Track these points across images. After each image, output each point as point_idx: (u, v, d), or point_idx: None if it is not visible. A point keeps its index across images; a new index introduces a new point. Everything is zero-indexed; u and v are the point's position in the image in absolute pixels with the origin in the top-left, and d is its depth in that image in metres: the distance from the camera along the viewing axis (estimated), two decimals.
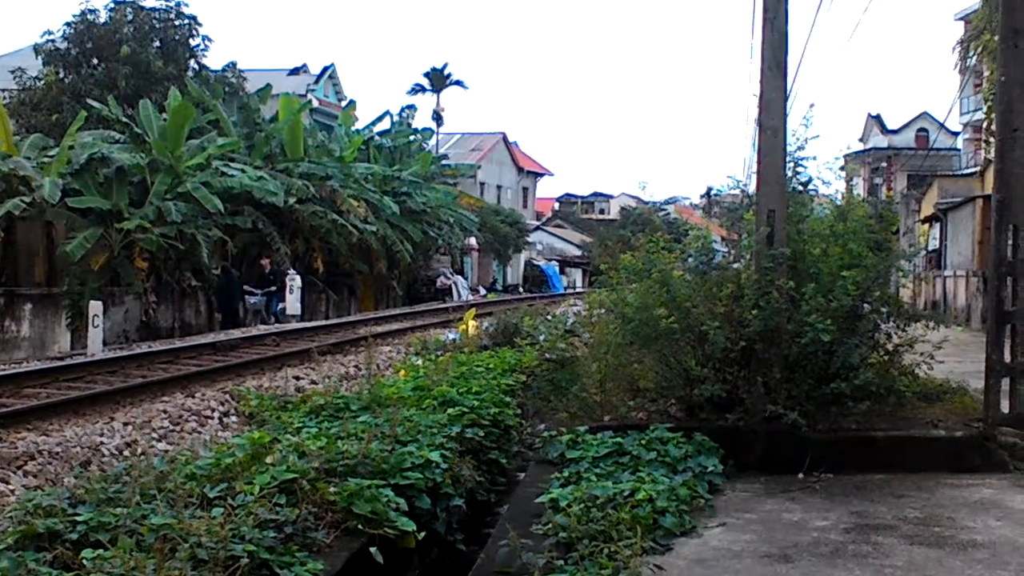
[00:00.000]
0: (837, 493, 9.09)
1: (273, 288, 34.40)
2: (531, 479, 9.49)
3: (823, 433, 9.98)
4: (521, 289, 70.70)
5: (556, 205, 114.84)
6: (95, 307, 25.06)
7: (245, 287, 33.82)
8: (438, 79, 79.39)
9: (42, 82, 41.87)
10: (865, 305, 10.74)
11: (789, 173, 11.44)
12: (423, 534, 7.82)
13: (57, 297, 28.98)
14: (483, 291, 61.63)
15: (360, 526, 7.30)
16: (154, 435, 13.06)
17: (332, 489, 7.52)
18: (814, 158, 12.14)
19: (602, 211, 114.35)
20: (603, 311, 12.75)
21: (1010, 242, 10.07)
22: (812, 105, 12.43)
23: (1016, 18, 10.20)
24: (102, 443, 12.17)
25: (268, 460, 8.01)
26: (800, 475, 9.66)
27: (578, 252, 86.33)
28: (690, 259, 11.29)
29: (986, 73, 33.59)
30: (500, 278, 72.39)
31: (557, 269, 79.63)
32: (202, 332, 32.41)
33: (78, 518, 6.49)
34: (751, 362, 10.27)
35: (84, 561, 5.86)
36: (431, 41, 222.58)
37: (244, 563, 5.92)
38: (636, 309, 10.82)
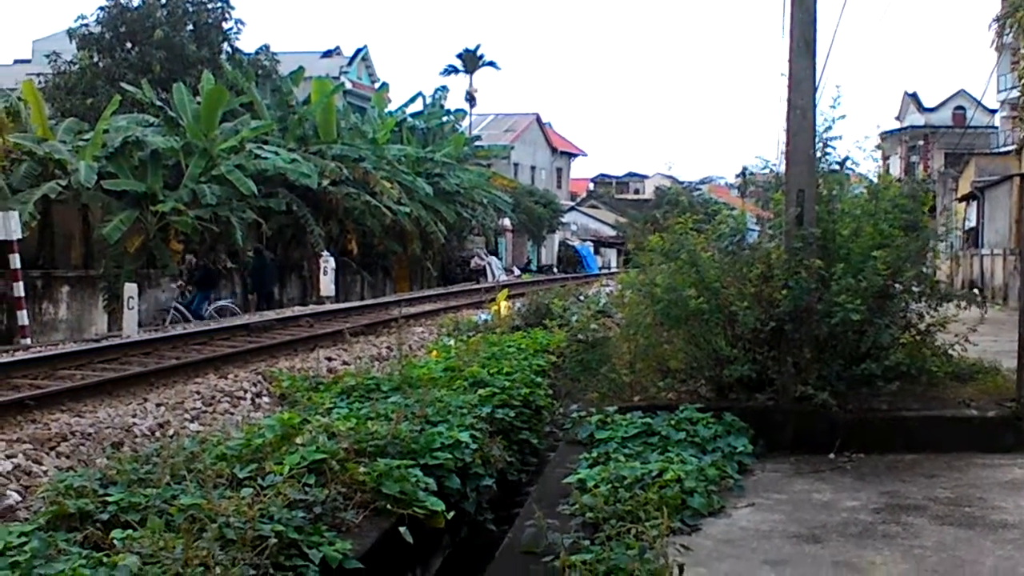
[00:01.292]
0: (867, 473, 9.05)
1: (200, 286, 32.17)
2: (560, 459, 9.50)
3: (854, 413, 9.94)
4: (555, 269, 70.68)
5: (591, 185, 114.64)
6: (130, 289, 25.28)
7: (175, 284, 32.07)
8: (471, 60, 79.30)
9: (77, 66, 42.08)
10: (896, 285, 10.69)
11: (818, 153, 11.38)
12: (452, 514, 7.86)
13: (94, 279, 29.22)
14: (517, 272, 61.66)
15: (389, 506, 7.35)
16: (187, 416, 13.15)
17: (361, 469, 7.56)
18: (840, 138, 12.07)
19: (637, 191, 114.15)
20: (633, 291, 12.71)
21: None
22: (839, 86, 12.35)
23: None
24: (134, 424, 12.26)
25: (298, 441, 8.06)
26: (831, 455, 9.63)
27: (612, 232, 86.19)
28: (719, 239, 11.23)
29: (1022, 51, 33.16)
30: (534, 258, 72.40)
31: (592, 249, 79.52)
32: (237, 314, 32.61)
33: (109, 499, 6.56)
34: (781, 342, 10.23)
35: (114, 541, 5.92)
36: (464, 22, 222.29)
37: (272, 543, 5.95)
38: (665, 289, 10.81)
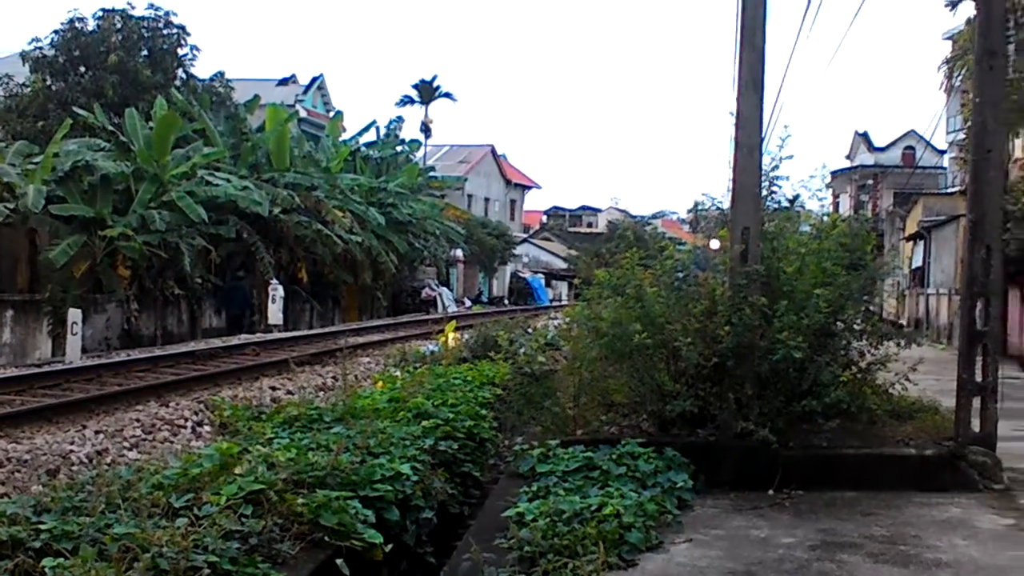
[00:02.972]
0: (805, 510, 9.11)
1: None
2: (501, 492, 9.48)
3: (794, 450, 10.00)
4: (507, 301, 70.70)
5: (544, 218, 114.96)
6: (74, 314, 25.01)
7: None
8: (427, 91, 79.41)
9: (29, 89, 41.69)
10: (838, 323, 10.78)
11: (764, 191, 11.48)
12: (391, 546, 7.81)
13: (39, 304, 28.87)
14: (468, 303, 61.63)
15: (327, 538, 7.29)
16: (125, 444, 13.05)
17: (300, 500, 7.51)
18: (787, 178, 12.19)
19: (590, 224, 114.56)
20: (579, 325, 12.74)
21: (982, 262, 10.12)
22: (787, 126, 12.48)
23: (991, 40, 10.27)
24: (72, 451, 12.14)
25: (237, 471, 8.00)
26: (770, 491, 9.68)
27: (564, 265, 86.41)
28: (663, 277, 11.28)
29: (970, 94, 33.69)
30: (486, 290, 72.38)
31: (543, 282, 79.66)
32: (184, 340, 32.42)
33: (42, 526, 6.47)
34: (723, 378, 10.29)
35: (45, 570, 5.85)
36: (420, 53, 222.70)
37: (205, 574, 5.90)
38: (610, 324, 10.85)
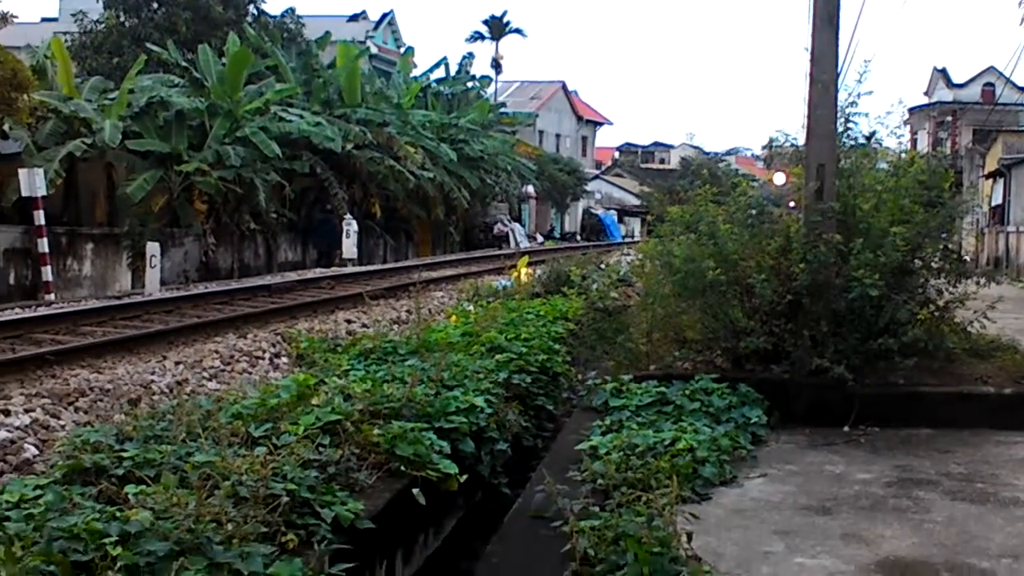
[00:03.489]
0: (881, 447, 9.05)
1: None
2: (574, 426, 9.53)
3: (869, 388, 9.92)
4: (579, 237, 70.67)
5: (616, 154, 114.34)
6: (152, 248, 25.41)
7: None
8: (497, 27, 78.97)
9: (103, 25, 42.07)
10: (916, 261, 10.65)
11: (840, 128, 11.32)
12: (466, 477, 7.88)
13: (117, 237, 29.32)
14: (540, 239, 61.68)
15: (403, 468, 7.36)
16: (205, 374, 13.25)
17: (376, 431, 7.59)
18: (866, 114, 11.99)
19: (662, 161, 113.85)
20: (652, 261, 12.68)
21: None
22: (867, 61, 12.26)
23: None
24: (153, 381, 12.36)
25: (314, 402, 8.09)
26: (845, 428, 9.63)
27: (636, 202, 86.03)
28: (736, 213, 11.18)
29: None
30: (558, 226, 72.38)
31: (615, 218, 79.52)
32: (260, 274, 32.82)
33: (124, 454, 6.59)
34: (798, 315, 10.20)
35: (128, 496, 5.97)
36: None
37: (284, 501, 5.99)
38: (683, 260, 10.79)
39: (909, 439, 9.31)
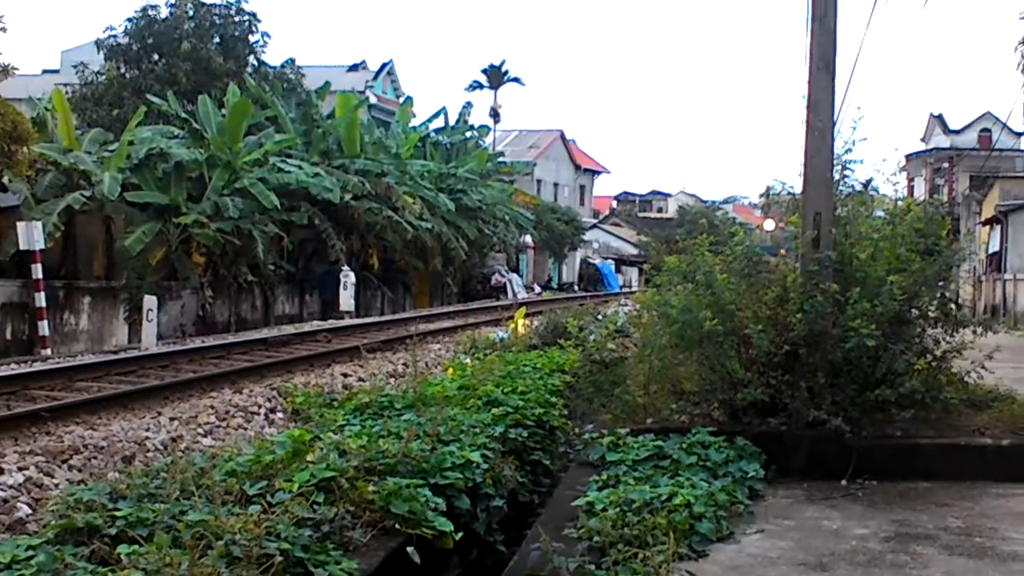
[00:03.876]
0: (879, 501, 9.00)
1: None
2: (571, 481, 9.47)
3: (867, 440, 9.87)
4: (576, 287, 70.66)
5: (613, 203, 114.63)
6: (149, 301, 25.39)
7: None
8: (495, 76, 79.45)
9: (104, 77, 42.39)
10: (912, 310, 10.63)
11: (837, 176, 11.35)
12: (461, 534, 7.83)
13: (115, 291, 29.35)
14: (538, 289, 61.70)
15: (398, 525, 7.33)
16: (200, 430, 13.19)
17: (371, 488, 7.55)
18: (861, 161, 12.03)
19: (660, 209, 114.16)
20: (649, 312, 12.67)
21: None
22: (860, 107, 12.32)
23: None
24: (147, 438, 12.30)
25: (309, 458, 8.07)
26: (843, 482, 9.58)
27: (634, 251, 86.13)
28: (733, 263, 11.17)
29: None
30: (555, 276, 72.42)
31: (613, 268, 79.52)
32: (257, 327, 32.80)
33: (117, 513, 6.56)
34: (795, 366, 10.18)
35: (121, 556, 5.94)
36: (489, 38, 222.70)
37: (278, 561, 5.96)
38: (680, 311, 10.77)
39: (907, 492, 9.26)
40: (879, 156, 14.17)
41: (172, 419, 13.58)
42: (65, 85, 40.95)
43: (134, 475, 7.57)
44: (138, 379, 16.68)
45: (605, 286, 71.48)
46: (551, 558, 6.28)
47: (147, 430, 12.76)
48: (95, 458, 11.26)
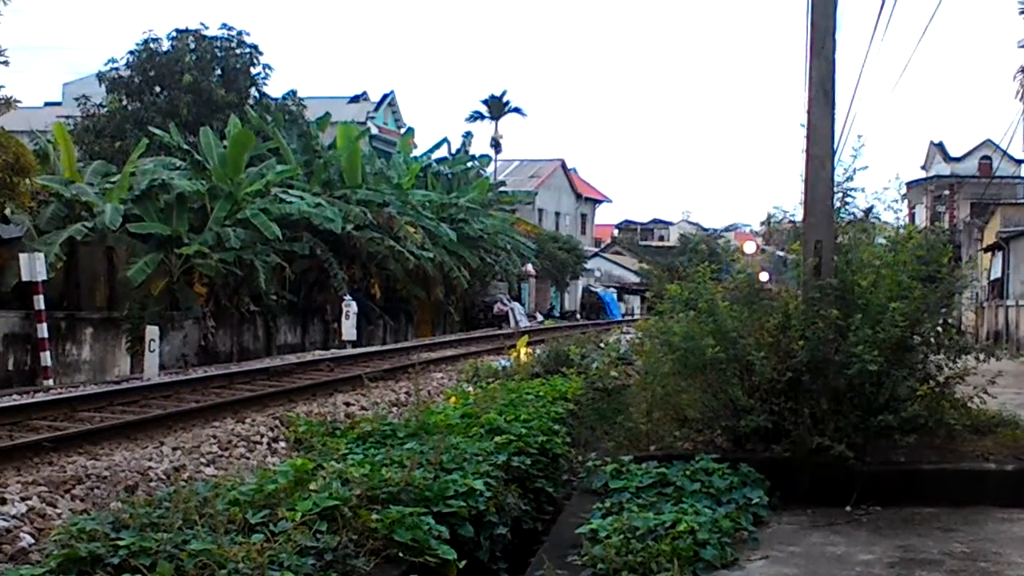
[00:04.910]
0: (884, 526, 8.99)
1: None
2: (574, 509, 9.47)
3: (871, 466, 9.88)
4: (578, 316, 70.69)
5: (615, 232, 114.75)
6: (151, 332, 25.37)
7: None
8: (496, 106, 79.67)
9: (105, 109, 42.53)
10: (915, 337, 10.64)
11: (837, 203, 11.38)
12: (465, 562, 7.80)
13: (117, 321, 29.33)
14: (540, 317, 61.69)
15: (401, 554, 7.30)
16: (202, 460, 13.19)
17: (374, 516, 7.53)
18: (862, 189, 12.08)
19: (661, 238, 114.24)
20: (651, 339, 12.67)
21: None
22: (860, 136, 12.37)
23: None
24: (150, 468, 12.30)
25: (311, 487, 8.04)
26: (847, 508, 9.58)
27: (636, 279, 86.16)
28: (735, 291, 11.19)
29: None
30: (557, 304, 72.40)
31: (615, 296, 79.58)
32: (259, 357, 32.79)
33: (120, 542, 6.54)
34: (798, 393, 10.18)
35: None
36: (490, 68, 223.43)
37: None
38: (683, 338, 10.79)
39: (911, 518, 9.25)
40: (880, 184, 14.20)
41: (175, 449, 13.58)
42: (67, 117, 41.12)
43: (137, 505, 7.53)
44: (140, 409, 16.69)
45: (607, 314, 71.54)
46: None
47: (150, 460, 12.76)
48: (98, 488, 11.25)
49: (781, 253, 12.54)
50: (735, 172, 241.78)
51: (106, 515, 7.41)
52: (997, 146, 60.29)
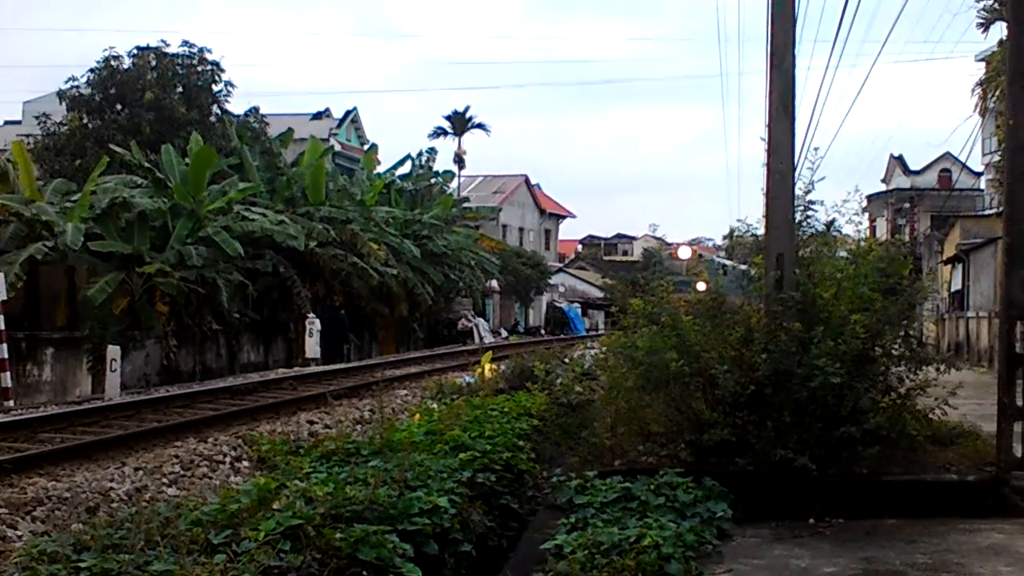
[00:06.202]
0: (847, 539, 9.02)
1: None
2: (539, 524, 9.46)
3: (834, 478, 9.91)
4: (543, 331, 70.67)
5: (579, 247, 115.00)
6: (113, 351, 25.18)
7: None
8: (460, 122, 79.85)
9: (66, 127, 42.20)
10: (876, 349, 10.70)
11: (799, 217, 11.45)
12: None
13: (78, 341, 29.12)
14: (504, 333, 61.69)
15: (365, 572, 7.27)
16: (164, 480, 13.11)
17: (338, 535, 7.50)
18: (822, 202, 12.17)
19: (625, 252, 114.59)
20: (615, 354, 12.69)
21: (1020, 285, 10.03)
22: (817, 148, 12.50)
23: (1023, 61, 10.20)
24: (111, 488, 12.22)
25: (274, 506, 8.00)
26: (811, 520, 9.60)
27: (600, 294, 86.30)
28: (697, 305, 11.24)
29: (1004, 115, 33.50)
30: (522, 320, 72.42)
31: (579, 311, 79.64)
32: (222, 375, 32.60)
33: (82, 564, 6.49)
34: (761, 406, 10.21)
35: None
36: (453, 84, 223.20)
37: None
38: (646, 352, 10.81)
39: (874, 529, 9.29)
40: (841, 197, 14.27)
41: (137, 469, 13.49)
42: (27, 136, 40.82)
43: (98, 526, 7.48)
44: (102, 430, 16.57)
45: (572, 329, 71.57)
46: None
47: (111, 480, 12.67)
48: (59, 509, 11.18)
49: (743, 267, 12.59)
50: (699, 187, 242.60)
51: (67, 537, 7.35)
52: (956, 158, 60.91)
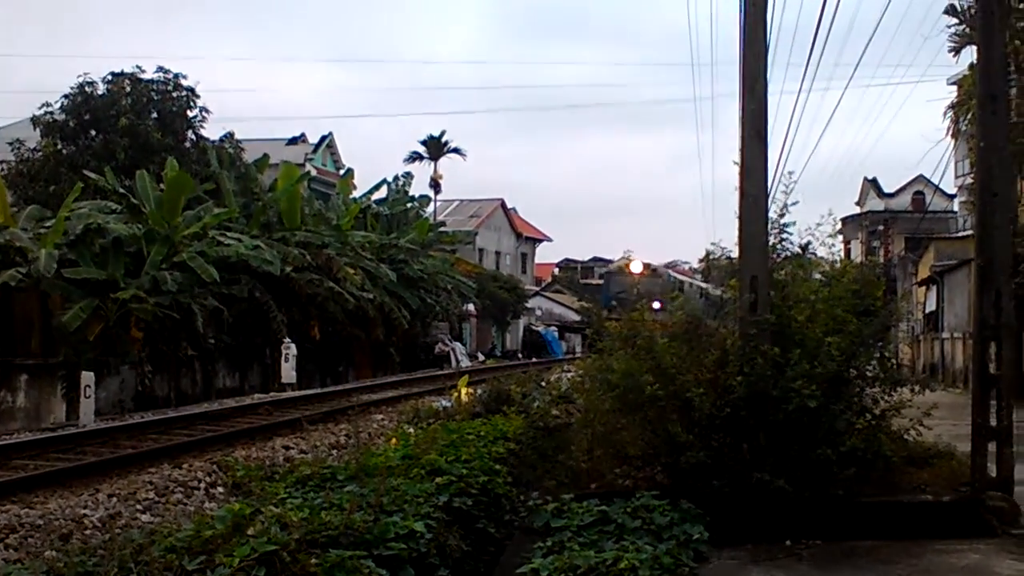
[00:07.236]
0: (824, 560, 9.03)
1: None
2: (516, 548, 9.45)
3: (811, 499, 9.92)
4: (520, 355, 70.62)
5: (556, 270, 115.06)
6: (87, 378, 25.03)
7: None
8: (435, 147, 79.96)
9: (40, 153, 41.96)
10: (851, 370, 10.74)
11: (773, 240, 11.49)
12: None
13: (53, 368, 28.92)
14: (482, 357, 61.60)
15: None
16: (139, 507, 13.02)
17: (313, 561, 7.45)
18: (795, 223, 12.24)
19: (601, 276, 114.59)
20: (591, 378, 12.69)
21: (993, 306, 10.09)
22: (791, 172, 12.58)
23: (992, 84, 10.31)
24: (85, 515, 12.13)
25: (249, 532, 7.94)
26: (788, 542, 9.60)
27: (577, 317, 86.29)
28: (673, 327, 11.27)
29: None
30: (499, 343, 72.36)
31: (556, 334, 79.61)
32: (198, 401, 32.42)
33: None
34: (737, 428, 10.24)
35: None
36: (428, 109, 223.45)
37: None
38: (622, 375, 10.81)
39: (851, 551, 9.30)
40: (815, 220, 14.33)
41: (111, 496, 13.40)
42: (1, 162, 40.59)
43: (71, 553, 7.42)
44: (76, 456, 16.46)
45: (549, 352, 71.54)
46: None
47: (85, 507, 12.59)
48: (31, 536, 11.09)
49: (719, 291, 12.63)
50: (675, 210, 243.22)
51: (40, 564, 7.30)
52: (929, 181, 61.33)
